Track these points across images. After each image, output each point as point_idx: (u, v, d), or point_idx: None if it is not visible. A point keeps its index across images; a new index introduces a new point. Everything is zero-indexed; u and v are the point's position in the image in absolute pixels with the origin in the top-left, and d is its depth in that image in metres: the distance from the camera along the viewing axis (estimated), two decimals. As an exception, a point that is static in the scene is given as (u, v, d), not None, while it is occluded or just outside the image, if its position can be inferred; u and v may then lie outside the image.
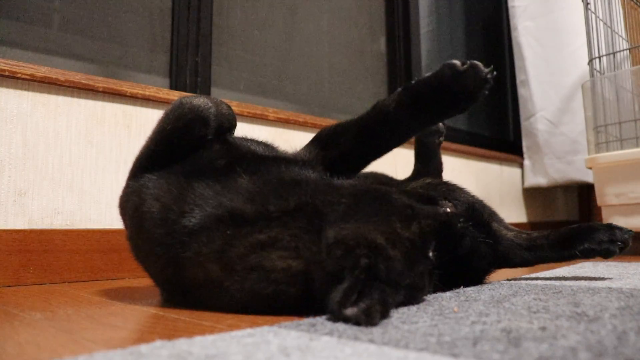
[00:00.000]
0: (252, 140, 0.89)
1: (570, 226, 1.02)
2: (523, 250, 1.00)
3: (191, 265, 0.70)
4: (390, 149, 0.86)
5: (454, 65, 0.78)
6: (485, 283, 0.98)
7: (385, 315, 0.59)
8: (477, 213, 0.98)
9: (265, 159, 0.81)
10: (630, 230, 0.98)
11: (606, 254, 0.97)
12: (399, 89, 0.81)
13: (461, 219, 0.76)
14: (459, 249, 0.81)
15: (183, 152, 0.79)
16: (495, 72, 0.80)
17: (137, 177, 0.80)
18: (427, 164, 1.30)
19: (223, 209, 0.69)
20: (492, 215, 1.05)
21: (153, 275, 0.81)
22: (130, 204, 0.79)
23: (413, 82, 0.80)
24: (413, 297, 0.70)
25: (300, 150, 0.89)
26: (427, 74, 0.79)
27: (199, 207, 0.70)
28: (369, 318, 0.56)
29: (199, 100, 0.80)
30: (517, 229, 1.06)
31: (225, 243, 0.67)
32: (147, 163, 0.81)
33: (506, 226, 1.05)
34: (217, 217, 0.69)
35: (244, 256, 0.66)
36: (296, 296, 0.65)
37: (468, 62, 0.78)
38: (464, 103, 0.80)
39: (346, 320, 0.57)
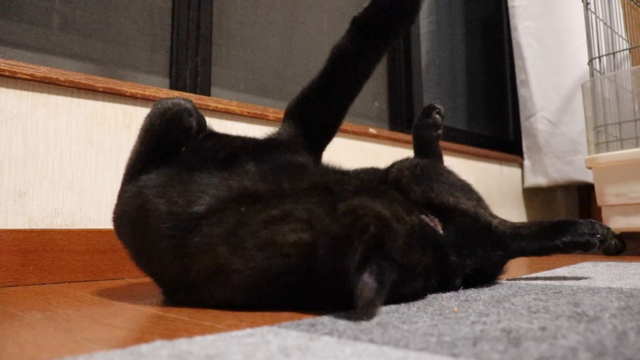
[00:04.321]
0: (238, 136, 0.91)
1: (552, 219, 1.02)
2: (506, 238, 0.98)
3: (200, 252, 0.69)
4: (361, 85, 0.89)
5: None
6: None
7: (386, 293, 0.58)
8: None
9: (267, 146, 0.83)
10: (609, 228, 1.01)
11: (587, 247, 0.97)
12: (348, 28, 0.84)
13: (452, 257, 0.79)
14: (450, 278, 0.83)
15: (174, 147, 0.81)
16: None
17: (133, 180, 0.80)
18: (424, 156, 1.25)
19: (234, 191, 0.70)
20: (479, 201, 1.03)
21: (158, 275, 0.81)
22: (131, 207, 0.78)
23: (357, 14, 0.83)
24: (410, 286, 0.70)
25: (279, 129, 0.90)
26: (366, 4, 0.82)
27: (206, 194, 0.70)
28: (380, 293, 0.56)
29: (177, 98, 0.84)
30: (500, 217, 1.04)
31: (238, 221, 0.67)
32: (140, 165, 0.81)
33: (491, 213, 1.03)
34: (227, 198, 0.69)
35: (255, 232, 0.66)
36: (304, 272, 0.65)
37: None
38: (409, 15, 0.82)
39: (362, 287, 0.55)
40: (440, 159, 1.27)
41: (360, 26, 0.83)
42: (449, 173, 1.04)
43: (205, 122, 0.87)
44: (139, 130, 0.86)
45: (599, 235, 0.96)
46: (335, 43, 0.86)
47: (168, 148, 0.81)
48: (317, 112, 0.87)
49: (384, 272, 0.56)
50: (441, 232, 0.78)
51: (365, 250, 0.57)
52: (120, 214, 0.83)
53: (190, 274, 0.72)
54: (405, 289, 0.70)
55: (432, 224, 0.76)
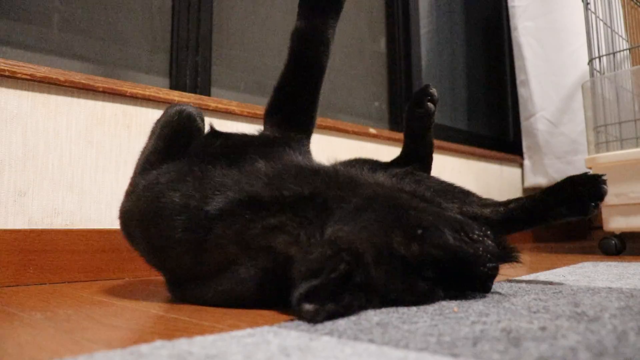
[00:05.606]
0: (243, 133, 0.94)
1: (544, 189, 0.98)
2: (501, 223, 0.97)
3: (212, 248, 0.72)
4: (326, 61, 0.91)
5: None
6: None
7: (337, 315, 0.59)
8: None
9: (271, 145, 0.85)
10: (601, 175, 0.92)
11: (583, 213, 0.91)
12: (298, 11, 0.90)
13: (490, 265, 0.69)
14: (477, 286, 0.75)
15: (185, 146, 0.85)
16: None
17: (145, 174, 0.83)
18: (416, 145, 1.21)
19: (244, 193, 0.72)
20: (463, 198, 1.00)
21: (168, 266, 0.82)
22: (143, 200, 0.80)
23: None
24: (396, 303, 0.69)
25: (265, 129, 0.93)
26: None
27: (220, 193, 0.73)
28: (316, 315, 0.57)
29: (189, 105, 0.91)
30: (495, 202, 1.01)
31: (244, 226, 0.70)
32: (155, 159, 0.85)
33: (483, 203, 1.00)
34: (238, 201, 0.72)
35: (257, 236, 0.69)
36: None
37: None
38: None
39: (300, 313, 0.58)
40: (431, 150, 1.22)
41: (307, 4, 0.88)
42: (429, 179, 1.03)
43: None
44: (153, 128, 0.92)
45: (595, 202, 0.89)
46: (292, 29, 0.90)
47: (180, 145, 0.85)
48: (293, 101, 0.91)
49: (328, 299, 0.58)
50: (472, 249, 0.68)
51: (322, 284, 0.58)
52: (130, 208, 0.83)
53: (202, 266, 0.75)
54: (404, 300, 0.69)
55: (463, 245, 0.68)
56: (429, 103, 1.14)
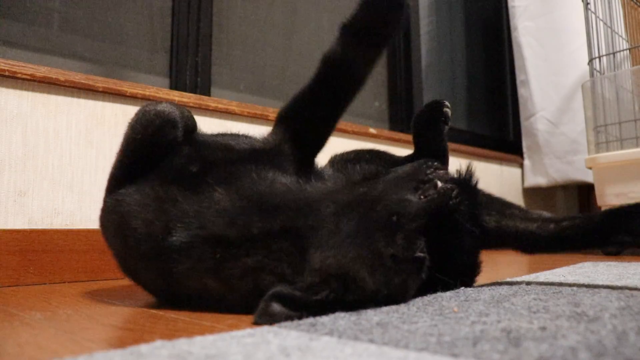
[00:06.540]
0: (220, 135, 0.88)
1: (604, 211, 0.91)
2: (549, 241, 0.92)
3: (186, 278, 0.71)
4: (355, 93, 0.87)
5: None
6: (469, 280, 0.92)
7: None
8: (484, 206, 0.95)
9: (236, 163, 0.78)
10: None
11: None
12: (337, 34, 0.80)
13: (453, 195, 0.73)
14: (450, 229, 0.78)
15: (156, 160, 0.79)
16: None
17: (113, 193, 0.79)
18: (428, 152, 1.11)
19: (207, 231, 0.69)
20: (502, 210, 0.96)
21: (145, 286, 0.82)
22: (110, 223, 0.78)
23: (345, 21, 0.80)
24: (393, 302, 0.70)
25: (268, 135, 0.86)
26: (356, 9, 0.79)
27: (183, 226, 0.70)
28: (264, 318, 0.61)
29: (163, 106, 0.79)
30: (543, 216, 0.95)
31: (218, 263, 0.69)
32: (121, 176, 0.80)
33: (528, 217, 0.95)
34: (203, 238, 0.69)
35: (241, 277, 0.68)
36: None
37: None
38: (397, 14, 0.79)
39: (263, 309, 0.61)
40: (445, 153, 1.14)
41: (350, 32, 0.80)
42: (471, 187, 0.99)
43: (194, 123, 0.84)
44: (122, 138, 0.83)
45: None
46: (325, 51, 0.82)
47: (150, 161, 0.78)
48: (309, 120, 0.84)
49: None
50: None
51: (299, 301, 0.62)
52: (104, 225, 0.83)
53: (179, 290, 0.74)
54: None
55: (433, 194, 0.71)
56: (446, 109, 1.09)
